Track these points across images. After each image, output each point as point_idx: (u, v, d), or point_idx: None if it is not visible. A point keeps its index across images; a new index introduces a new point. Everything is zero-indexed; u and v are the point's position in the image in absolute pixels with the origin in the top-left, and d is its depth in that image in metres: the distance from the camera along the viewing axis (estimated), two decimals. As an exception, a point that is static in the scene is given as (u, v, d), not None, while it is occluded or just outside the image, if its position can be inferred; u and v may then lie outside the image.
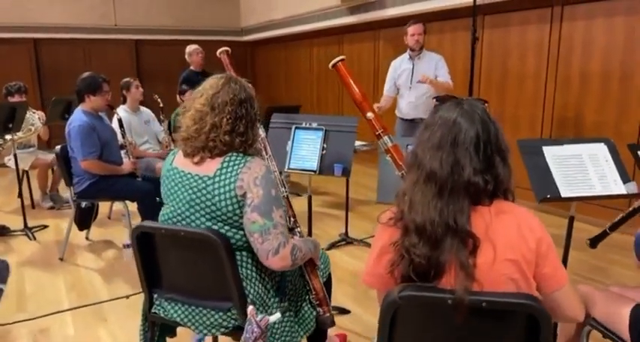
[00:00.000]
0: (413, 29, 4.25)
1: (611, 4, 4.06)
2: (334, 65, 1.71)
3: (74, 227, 3.70)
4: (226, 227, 1.60)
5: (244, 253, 1.65)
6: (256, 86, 7.73)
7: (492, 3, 4.69)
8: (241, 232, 1.61)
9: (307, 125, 2.56)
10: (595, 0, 4.15)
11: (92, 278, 3.29)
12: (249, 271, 1.65)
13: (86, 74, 3.47)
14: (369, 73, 6.73)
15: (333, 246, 3.73)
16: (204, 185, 1.59)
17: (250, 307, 1.51)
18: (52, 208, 4.92)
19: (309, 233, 2.85)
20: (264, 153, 2.00)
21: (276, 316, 1.50)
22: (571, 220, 2.26)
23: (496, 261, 1.12)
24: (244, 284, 1.62)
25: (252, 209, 1.54)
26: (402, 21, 5.90)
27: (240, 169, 1.58)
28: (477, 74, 5.11)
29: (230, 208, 1.57)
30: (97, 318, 2.76)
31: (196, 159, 1.62)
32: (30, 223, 4.17)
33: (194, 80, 5.63)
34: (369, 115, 1.65)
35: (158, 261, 1.74)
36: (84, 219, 3.82)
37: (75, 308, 2.85)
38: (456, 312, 1.09)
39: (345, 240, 3.81)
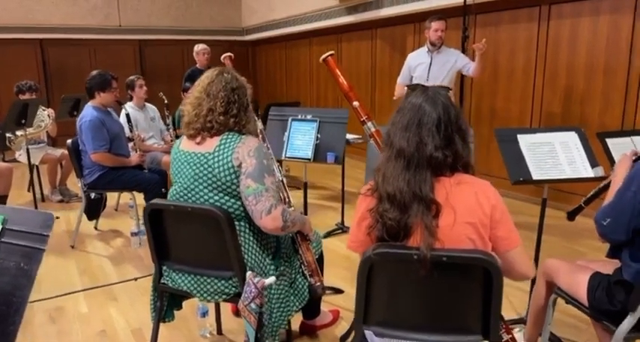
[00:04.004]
0: (437, 25, 4.27)
1: (596, 3, 4.24)
2: (324, 59, 1.92)
3: (84, 217, 3.91)
4: (226, 197, 1.82)
5: (242, 222, 1.86)
6: (257, 84, 8.06)
7: (483, 2, 4.88)
8: (239, 202, 1.83)
9: (302, 117, 2.77)
10: (580, -1, 4.34)
11: (102, 263, 3.50)
12: (247, 240, 1.86)
13: (96, 72, 3.68)
14: (367, 70, 6.93)
15: (329, 234, 3.93)
16: (205, 160, 1.83)
17: (249, 272, 1.72)
18: (61, 201, 5.12)
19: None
20: (259, 137, 2.21)
21: (271, 279, 1.70)
22: (544, 201, 2.45)
23: (456, 223, 1.32)
24: (243, 252, 1.83)
25: (246, 176, 1.77)
26: (398, 20, 6.12)
27: (237, 144, 1.82)
28: (469, 71, 5.31)
29: (228, 178, 1.80)
30: (108, 298, 2.96)
31: (198, 139, 1.87)
32: (41, 215, 4.37)
33: (197, 78, 5.85)
34: (355, 103, 1.86)
35: (167, 235, 1.95)
36: (93, 209, 4.03)
37: (87, 289, 3.07)
38: (421, 266, 1.29)
39: (342, 229, 4.02)
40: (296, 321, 2.47)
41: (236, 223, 1.84)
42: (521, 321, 2.54)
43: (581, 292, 1.82)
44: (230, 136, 1.86)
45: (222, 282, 1.89)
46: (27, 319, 2.71)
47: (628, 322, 1.63)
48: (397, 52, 6.31)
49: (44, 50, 8.42)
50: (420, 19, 5.80)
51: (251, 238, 1.88)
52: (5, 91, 7.93)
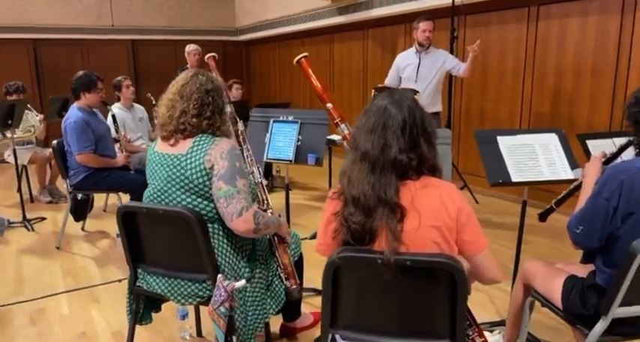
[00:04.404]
0: (424, 25, 4.25)
1: (584, 4, 4.24)
2: (298, 61, 1.91)
3: (70, 218, 3.89)
4: (199, 199, 1.81)
5: (216, 225, 1.85)
6: (251, 84, 8.04)
7: (473, 3, 4.88)
8: (212, 204, 1.81)
9: (284, 118, 2.76)
10: (569, 0, 4.34)
11: (87, 264, 3.48)
12: (220, 242, 1.85)
13: (81, 73, 3.66)
14: (359, 70, 6.93)
15: (316, 235, 3.92)
16: (178, 162, 1.82)
17: (220, 275, 1.71)
18: (50, 202, 5.10)
19: (287, 220, 3.04)
20: (240, 138, 2.20)
21: (241, 283, 1.69)
22: (524, 204, 2.45)
23: (421, 227, 1.32)
24: (216, 255, 1.82)
25: (218, 178, 1.76)
26: (388, 21, 6.11)
27: (209, 146, 1.81)
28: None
29: (200, 180, 1.79)
30: (90, 299, 2.95)
31: (172, 141, 1.86)
32: (29, 216, 4.37)
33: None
34: (329, 105, 1.85)
35: (141, 238, 1.94)
36: (80, 210, 4.01)
37: (70, 291, 3.05)
38: (385, 270, 1.28)
39: (328, 229, 4.00)
40: (276, 323, 2.47)
41: (209, 225, 1.84)
42: (503, 323, 2.53)
43: (556, 296, 1.82)
44: (203, 139, 1.85)
45: (196, 285, 1.88)
46: (7, 320, 2.70)
47: (600, 326, 1.62)
48: (388, 52, 6.30)
49: (37, 50, 8.38)
50: (410, 19, 5.77)
51: (225, 241, 1.87)
52: (-3, 91, 7.94)
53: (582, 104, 4.31)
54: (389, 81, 4.58)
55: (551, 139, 2.41)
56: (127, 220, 1.91)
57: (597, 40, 4.15)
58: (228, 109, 2.22)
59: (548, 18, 4.51)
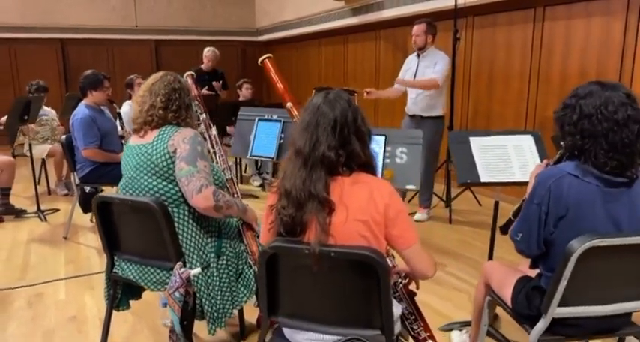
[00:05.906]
0: (413, 29, 4.26)
1: (589, 5, 4.18)
2: (262, 61, 2.00)
3: (79, 210, 4.08)
4: (164, 183, 1.95)
5: (181, 208, 1.97)
6: (269, 85, 8.00)
7: (478, 5, 4.86)
8: (177, 187, 1.95)
9: (268, 117, 2.86)
10: (574, 1, 4.28)
11: (90, 254, 3.66)
12: (186, 225, 1.97)
13: (89, 71, 3.85)
14: (371, 71, 6.97)
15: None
16: (145, 150, 1.98)
17: (178, 263, 1.82)
18: (66, 195, 5.35)
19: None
20: (213, 142, 2.32)
21: (196, 270, 1.79)
22: (496, 204, 2.46)
23: (348, 220, 1.38)
24: (181, 240, 1.93)
25: (180, 160, 1.91)
26: (399, 22, 6.13)
27: (173, 133, 1.98)
28: (466, 73, 5.31)
29: (165, 163, 1.93)
30: (86, 286, 3.12)
31: (141, 133, 2.04)
32: (44, 207, 4.61)
33: (199, 79, 6.03)
34: (288, 104, 1.93)
35: (116, 226, 2.07)
36: (88, 203, 4.19)
37: (69, 278, 3.23)
38: (312, 260, 1.36)
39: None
40: (253, 314, 2.55)
41: (175, 209, 1.96)
42: (476, 322, 2.55)
43: (508, 296, 1.84)
44: (168, 128, 2.01)
45: (164, 272, 1.99)
46: (7, 303, 2.89)
47: (541, 325, 1.65)
48: (400, 53, 6.32)
49: (65, 50, 8.75)
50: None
51: (189, 225, 1.98)
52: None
53: (586, 107, 4.24)
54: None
55: (526, 141, 2.43)
56: (103, 209, 2.04)
57: (601, 41, 4.09)
58: (203, 116, 2.38)
59: (553, 19, 4.46)
